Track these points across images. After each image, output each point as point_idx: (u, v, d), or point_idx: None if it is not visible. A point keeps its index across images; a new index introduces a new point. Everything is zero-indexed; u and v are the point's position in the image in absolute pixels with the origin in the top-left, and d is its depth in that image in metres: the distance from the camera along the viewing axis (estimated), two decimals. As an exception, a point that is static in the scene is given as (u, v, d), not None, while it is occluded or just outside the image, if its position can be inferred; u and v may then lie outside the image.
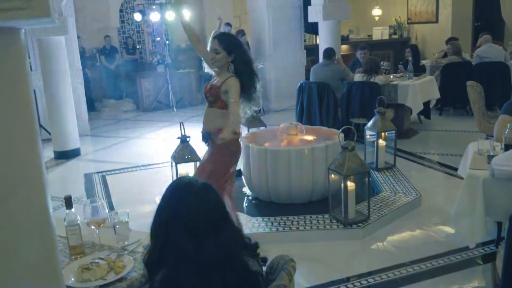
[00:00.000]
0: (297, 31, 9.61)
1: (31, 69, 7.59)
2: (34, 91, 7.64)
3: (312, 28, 9.05)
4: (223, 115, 3.30)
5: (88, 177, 5.93)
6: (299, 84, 6.84)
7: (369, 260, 3.61)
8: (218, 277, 1.42)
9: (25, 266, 1.07)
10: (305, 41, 10.48)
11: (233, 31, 10.35)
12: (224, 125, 3.22)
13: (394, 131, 5.34)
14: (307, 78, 8.33)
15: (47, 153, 7.04)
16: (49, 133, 7.16)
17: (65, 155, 6.83)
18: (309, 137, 4.84)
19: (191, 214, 1.44)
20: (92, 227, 2.11)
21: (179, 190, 1.52)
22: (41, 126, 7.81)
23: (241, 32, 10.01)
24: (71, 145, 6.89)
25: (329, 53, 6.75)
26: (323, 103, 6.41)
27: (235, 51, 3.30)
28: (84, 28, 10.58)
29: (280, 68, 9.34)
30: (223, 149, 3.31)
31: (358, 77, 6.49)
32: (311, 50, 10.22)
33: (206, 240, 1.42)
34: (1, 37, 0.96)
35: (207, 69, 3.55)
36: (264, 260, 1.71)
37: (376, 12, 12.68)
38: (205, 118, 3.44)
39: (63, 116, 6.70)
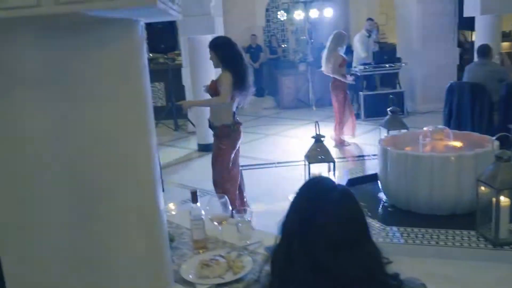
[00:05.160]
0: (450, 27, 8.85)
1: (182, 66, 8.15)
2: (183, 86, 8.23)
3: (467, 24, 8.25)
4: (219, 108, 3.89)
5: (226, 171, 6.14)
6: (449, 84, 6.26)
7: (523, 289, 3.12)
8: None
9: (131, 259, 1.06)
10: (458, 37, 9.62)
11: (368, 26, 9.73)
12: (219, 117, 3.91)
13: None
14: (459, 78, 7.64)
15: (192, 145, 7.51)
16: (195, 126, 7.61)
17: (207, 148, 7.16)
18: (457, 144, 4.38)
19: (329, 224, 1.26)
20: (215, 223, 2.10)
21: (316, 194, 1.33)
22: (188, 119, 8.36)
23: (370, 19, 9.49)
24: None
25: (485, 50, 6.05)
26: (475, 106, 5.78)
27: (217, 50, 3.89)
28: (232, 28, 11.04)
29: (429, 66, 8.69)
30: (217, 139, 3.98)
31: None
32: (466, 48, 9.36)
33: (344, 253, 1.24)
34: (114, 29, 0.95)
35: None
36: (397, 277, 1.50)
37: (548, 4, 11.12)
38: (210, 111, 4.06)
39: (207, 110, 7.03)
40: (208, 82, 4.23)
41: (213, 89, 3.93)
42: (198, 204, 2.10)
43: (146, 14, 0.98)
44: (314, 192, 1.35)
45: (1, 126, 0.99)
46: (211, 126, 4.05)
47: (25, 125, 0.98)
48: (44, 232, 1.02)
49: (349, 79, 6.83)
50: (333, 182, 1.39)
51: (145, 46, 1.08)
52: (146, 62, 1.07)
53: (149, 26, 8.28)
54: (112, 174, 1.01)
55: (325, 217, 1.28)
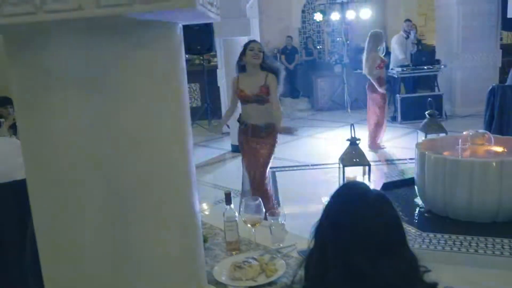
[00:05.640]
0: (492, 28, 8.57)
1: (217, 67, 8.20)
2: (218, 87, 8.28)
3: (511, 25, 7.98)
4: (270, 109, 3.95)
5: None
6: (491, 87, 6.06)
7: None
8: None
9: (165, 259, 1.07)
10: (501, 39, 9.31)
11: (406, 27, 9.52)
12: (268, 117, 3.96)
13: None
14: (501, 81, 7.39)
15: (226, 146, 7.55)
16: (229, 127, 7.64)
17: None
18: (499, 149, 4.23)
19: (366, 227, 1.23)
20: (248, 225, 2.10)
21: (352, 199, 1.29)
22: (222, 120, 8.41)
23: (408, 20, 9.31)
24: (247, 139, 7.23)
25: (532, 52, 5.84)
26: (519, 110, 5.58)
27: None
28: (267, 29, 11.05)
29: (469, 68, 8.45)
30: (272, 140, 4.02)
31: None
32: (509, 50, 9.05)
33: (383, 260, 1.21)
34: (153, 31, 0.96)
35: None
36: (435, 286, 1.44)
37: None
38: (257, 114, 3.96)
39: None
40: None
41: (266, 93, 3.93)
42: (232, 205, 2.11)
43: (185, 17, 0.98)
44: (349, 198, 1.32)
45: (40, 125, 1.01)
46: (257, 129, 4.03)
47: (63, 124, 1.00)
48: (80, 232, 1.03)
49: (381, 90, 6.66)
50: (368, 187, 1.36)
51: (183, 48, 1.08)
52: (184, 64, 1.07)
53: (185, 27, 8.36)
54: (148, 176, 1.02)
55: (362, 223, 1.24)
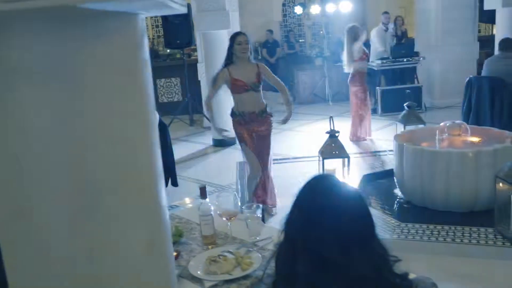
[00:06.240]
0: (470, 20, 8.67)
1: (197, 61, 8.15)
2: (199, 81, 8.22)
3: (488, 17, 8.08)
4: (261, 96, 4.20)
5: (241, 166, 6.11)
6: (468, 79, 6.14)
7: (542, 288, 3.04)
8: None
9: (132, 254, 1.05)
10: (479, 31, 9.42)
11: (384, 19, 9.58)
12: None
13: None
14: (479, 73, 7.49)
15: (207, 141, 7.51)
16: (210, 122, 7.61)
17: (222, 143, 7.17)
18: (475, 139, 4.29)
19: (335, 219, 1.23)
20: (224, 219, 2.09)
21: (321, 192, 1.29)
22: (203, 115, 8.37)
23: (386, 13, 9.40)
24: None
25: (507, 44, 5.91)
26: (495, 101, 5.65)
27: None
28: (248, 22, 11.00)
29: (448, 61, 8.54)
30: (269, 121, 4.35)
31: None
32: (486, 42, 9.17)
33: (354, 251, 1.22)
34: (113, 22, 0.93)
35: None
36: (405, 277, 1.45)
37: None
38: (255, 100, 4.12)
39: (221, 105, 7.00)
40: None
41: (259, 81, 4.09)
42: (207, 199, 2.09)
43: (144, 7, 0.95)
44: (318, 190, 1.31)
45: (2, 121, 0.99)
46: (262, 115, 4.26)
47: (26, 119, 0.97)
48: (45, 227, 1.01)
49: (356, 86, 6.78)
50: (337, 179, 1.36)
51: (146, 40, 1.06)
52: (147, 56, 1.05)
53: (165, 21, 8.30)
54: (113, 169, 1.00)
55: (333, 214, 1.25)
